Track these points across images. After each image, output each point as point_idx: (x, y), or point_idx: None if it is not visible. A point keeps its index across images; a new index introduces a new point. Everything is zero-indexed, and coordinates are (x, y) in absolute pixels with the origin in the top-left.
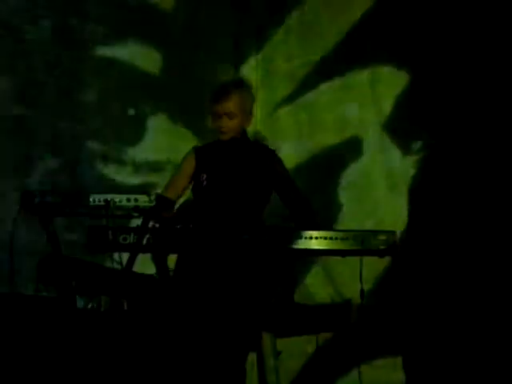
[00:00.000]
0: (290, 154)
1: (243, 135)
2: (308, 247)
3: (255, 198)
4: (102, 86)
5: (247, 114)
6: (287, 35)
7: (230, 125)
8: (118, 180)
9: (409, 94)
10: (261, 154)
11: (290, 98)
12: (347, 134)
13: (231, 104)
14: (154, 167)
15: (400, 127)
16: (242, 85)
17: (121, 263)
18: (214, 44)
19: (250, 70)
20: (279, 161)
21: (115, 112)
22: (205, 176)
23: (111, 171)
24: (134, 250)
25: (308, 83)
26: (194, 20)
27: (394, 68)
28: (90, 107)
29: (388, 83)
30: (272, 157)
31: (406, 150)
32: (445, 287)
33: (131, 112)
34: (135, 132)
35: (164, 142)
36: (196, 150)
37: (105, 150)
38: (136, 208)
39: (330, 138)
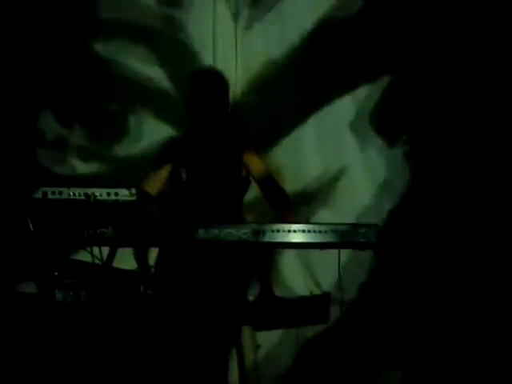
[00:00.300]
0: (271, 149)
1: (221, 124)
2: (288, 240)
3: (235, 189)
4: (91, 84)
5: (225, 103)
6: (267, 31)
7: (209, 118)
8: (103, 175)
9: (389, 92)
10: (237, 142)
11: (269, 96)
12: (327, 130)
13: (212, 96)
14: (140, 163)
15: (380, 125)
16: (220, 75)
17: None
18: (195, 41)
19: (229, 66)
20: (254, 148)
21: (102, 108)
22: (184, 170)
23: (95, 167)
24: (114, 245)
25: (287, 81)
26: (174, 15)
27: (375, 67)
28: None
29: (368, 81)
30: (246, 144)
31: (386, 146)
32: (426, 279)
33: (115, 108)
34: (120, 128)
35: (149, 139)
36: (170, 143)
37: (90, 146)
38: (116, 202)
39: (309, 133)
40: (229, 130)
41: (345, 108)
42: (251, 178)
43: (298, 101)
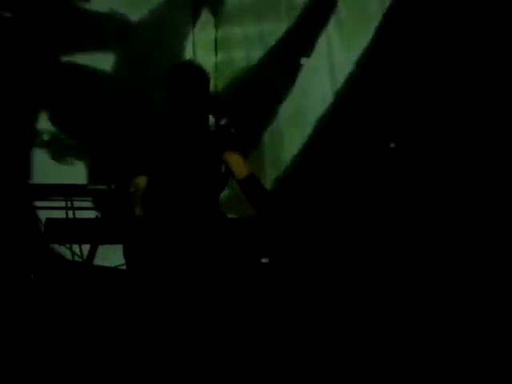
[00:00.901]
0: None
1: (201, 122)
2: None
3: (213, 185)
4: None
5: (205, 97)
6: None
7: (189, 111)
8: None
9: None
10: (218, 139)
11: (248, 93)
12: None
13: (192, 89)
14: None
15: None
16: (199, 68)
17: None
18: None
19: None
20: (235, 148)
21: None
22: (162, 166)
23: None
24: (95, 242)
25: (264, 70)
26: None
27: None
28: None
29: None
30: (228, 143)
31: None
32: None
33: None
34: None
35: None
36: (150, 139)
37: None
38: (96, 199)
39: (286, 125)
40: (209, 126)
41: (324, 98)
42: (232, 179)
43: (276, 95)
